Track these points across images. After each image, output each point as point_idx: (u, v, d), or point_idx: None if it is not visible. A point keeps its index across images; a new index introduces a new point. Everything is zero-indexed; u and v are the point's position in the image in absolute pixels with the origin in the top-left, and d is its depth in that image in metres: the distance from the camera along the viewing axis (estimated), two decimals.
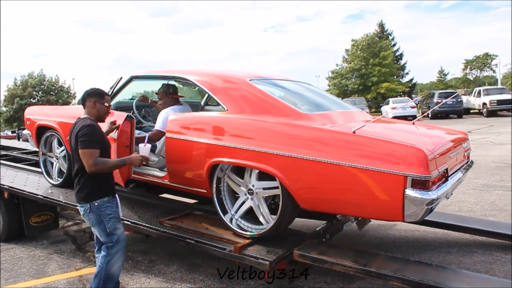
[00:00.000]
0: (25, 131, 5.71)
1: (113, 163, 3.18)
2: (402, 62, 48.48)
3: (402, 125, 3.81)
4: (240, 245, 3.33)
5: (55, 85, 49.98)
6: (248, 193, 3.49)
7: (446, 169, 3.02)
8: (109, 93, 4.73)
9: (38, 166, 5.56)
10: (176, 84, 4.71)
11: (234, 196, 3.69)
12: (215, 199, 3.66)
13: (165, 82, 4.64)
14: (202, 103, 6.01)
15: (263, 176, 3.37)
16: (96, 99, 3.26)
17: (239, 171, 3.54)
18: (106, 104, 3.32)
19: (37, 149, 5.51)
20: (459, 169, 3.40)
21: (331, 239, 3.74)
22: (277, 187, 3.26)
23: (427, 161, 2.68)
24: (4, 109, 49.39)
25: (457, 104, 24.89)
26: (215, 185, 3.63)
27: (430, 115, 25.57)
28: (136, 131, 4.78)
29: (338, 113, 3.76)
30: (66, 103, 46.72)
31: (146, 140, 3.49)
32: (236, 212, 3.60)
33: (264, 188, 3.41)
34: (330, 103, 4.15)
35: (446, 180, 3.01)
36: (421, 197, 2.65)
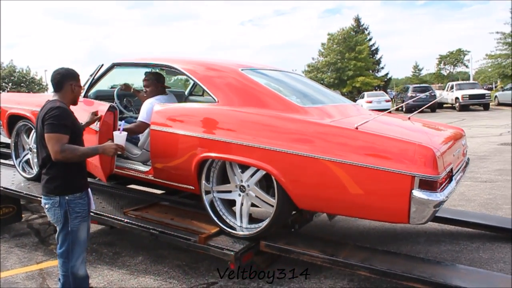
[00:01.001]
0: None
1: (83, 151, 2.77)
2: (378, 56, 49.02)
3: (401, 121, 3.67)
4: (205, 235, 3.25)
5: (26, 76, 48.30)
6: (241, 191, 3.30)
7: (451, 169, 2.90)
8: (89, 81, 4.45)
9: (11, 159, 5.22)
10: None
11: (229, 204, 3.50)
12: (204, 197, 3.45)
13: (149, 70, 4.38)
14: (186, 93, 5.76)
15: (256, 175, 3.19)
16: (74, 82, 2.93)
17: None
18: (80, 85, 3.02)
19: (9, 140, 5.16)
20: (460, 168, 3.29)
21: (300, 229, 3.59)
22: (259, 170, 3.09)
23: (435, 160, 2.54)
24: None
25: (430, 99, 25.26)
26: (203, 182, 3.42)
27: (404, 109, 25.94)
28: (118, 122, 4.51)
29: (333, 107, 3.59)
30: None
31: (121, 128, 3.19)
32: (241, 221, 3.38)
33: (251, 176, 3.21)
34: (324, 96, 3.97)
35: (451, 180, 2.89)
36: (428, 198, 2.51)
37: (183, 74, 3.83)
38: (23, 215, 5.24)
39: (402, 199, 2.57)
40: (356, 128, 2.78)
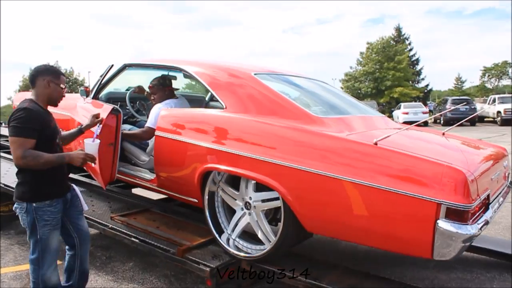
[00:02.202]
0: None
1: (47, 159, 2.52)
2: (419, 67, 47.69)
3: (433, 137, 3.25)
4: (184, 248, 3.09)
5: (69, 77, 49.95)
6: (245, 207, 2.98)
7: (488, 195, 2.47)
8: (99, 82, 4.25)
9: None
10: (175, 76, 4.21)
11: (230, 210, 3.18)
12: (207, 213, 3.15)
13: (162, 73, 4.13)
14: (207, 99, 5.49)
15: (262, 188, 2.86)
16: (50, 78, 2.68)
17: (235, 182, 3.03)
18: (62, 86, 2.74)
19: None
20: (499, 194, 2.84)
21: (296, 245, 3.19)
22: (277, 198, 2.75)
23: (467, 185, 2.13)
24: None
25: (470, 111, 24.21)
26: (207, 196, 3.12)
27: (442, 122, 24.90)
28: (128, 126, 4.29)
29: (357, 118, 3.21)
30: None
31: (95, 135, 2.88)
32: (232, 230, 3.09)
33: (263, 201, 2.89)
34: (348, 105, 3.58)
35: (487, 208, 2.46)
36: (457, 231, 2.10)
37: (192, 77, 3.55)
38: None
39: (425, 230, 2.17)
40: (375, 143, 2.40)
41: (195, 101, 5.12)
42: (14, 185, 4.22)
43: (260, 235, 2.92)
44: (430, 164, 2.23)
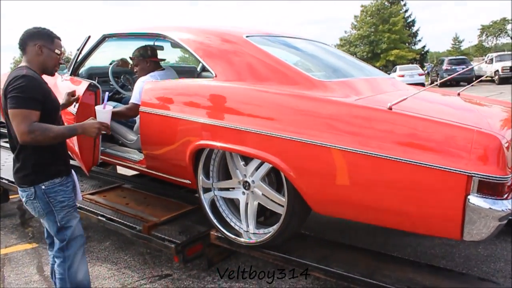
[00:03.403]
0: None
1: (58, 132, 2.18)
2: (415, 29, 46.68)
3: (449, 99, 2.90)
4: (150, 224, 2.97)
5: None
6: (245, 188, 2.67)
7: None
8: (76, 56, 3.86)
9: None
10: (162, 46, 3.81)
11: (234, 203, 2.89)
12: (203, 197, 2.85)
13: (148, 43, 3.73)
14: (198, 69, 5.10)
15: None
16: (42, 42, 2.30)
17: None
18: (57, 51, 2.36)
19: None
20: None
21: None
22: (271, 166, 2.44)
23: (503, 153, 1.81)
24: None
25: (467, 71, 23.81)
26: (201, 177, 2.80)
27: (439, 83, 24.48)
28: (113, 103, 3.93)
29: (363, 81, 2.86)
30: None
31: (105, 101, 2.57)
32: (247, 224, 2.77)
33: (256, 169, 2.58)
34: (352, 67, 3.22)
35: None
36: (491, 207, 1.79)
37: (178, 44, 3.17)
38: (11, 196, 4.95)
39: (454, 207, 1.86)
40: (390, 108, 2.05)
41: (186, 73, 4.75)
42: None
43: (271, 205, 2.61)
44: (456, 130, 1.90)
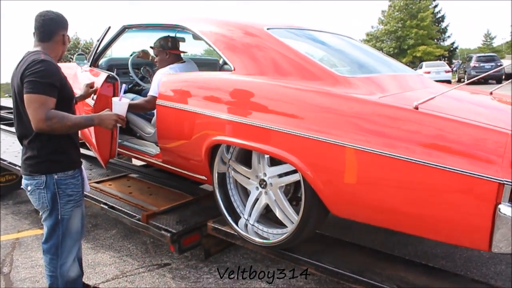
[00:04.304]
0: None
1: (74, 121, 2.13)
2: (444, 24, 45.57)
3: (481, 98, 2.74)
4: (149, 213, 3.01)
5: (89, 47, 49.78)
6: (260, 186, 2.58)
7: None
8: (96, 47, 3.83)
9: None
10: (183, 37, 3.74)
11: (245, 192, 2.78)
12: (218, 194, 2.77)
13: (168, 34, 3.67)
14: (221, 62, 5.01)
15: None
16: (65, 31, 2.28)
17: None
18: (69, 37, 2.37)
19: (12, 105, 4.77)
20: None
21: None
22: (295, 171, 2.33)
23: None
24: None
25: (496, 69, 23.01)
26: (216, 173, 2.72)
27: (466, 81, 23.80)
28: (131, 96, 3.90)
29: (389, 77, 2.73)
30: None
31: (121, 93, 2.53)
32: (249, 215, 2.69)
33: (279, 176, 2.47)
34: (379, 63, 3.08)
35: None
36: None
37: (198, 36, 3.09)
38: None
39: (482, 216, 1.73)
40: (416, 107, 1.93)
41: (208, 65, 4.67)
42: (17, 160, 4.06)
43: (278, 214, 2.53)
44: (489, 133, 1.76)
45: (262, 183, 2.55)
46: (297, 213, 2.40)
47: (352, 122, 2.06)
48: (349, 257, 2.48)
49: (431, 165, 1.81)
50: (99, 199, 3.36)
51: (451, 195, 1.81)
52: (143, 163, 4.01)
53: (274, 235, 2.56)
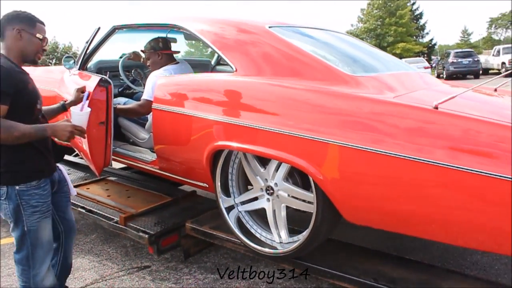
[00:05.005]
0: None
1: (23, 131, 1.97)
2: (422, 21, 46.29)
3: (492, 98, 2.68)
4: (127, 215, 3.02)
5: (67, 52, 48.94)
6: (266, 191, 2.46)
7: None
8: (85, 50, 3.65)
9: None
10: (175, 38, 3.60)
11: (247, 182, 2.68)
12: (221, 201, 2.65)
13: (161, 35, 3.52)
14: (213, 63, 4.89)
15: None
16: (22, 26, 2.09)
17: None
18: (39, 36, 2.15)
19: None
20: None
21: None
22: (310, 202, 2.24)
23: None
24: None
25: (473, 64, 23.50)
26: (219, 180, 2.60)
27: (444, 76, 24.16)
28: (123, 100, 3.74)
29: (392, 76, 2.64)
30: None
31: (83, 102, 2.31)
32: (241, 202, 2.65)
33: (290, 195, 2.37)
34: (379, 61, 2.99)
35: None
36: None
37: (194, 36, 2.95)
38: None
39: (505, 219, 1.65)
40: (436, 107, 1.84)
41: (200, 67, 4.54)
42: None
43: (270, 222, 2.46)
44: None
45: (269, 190, 2.43)
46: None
47: (365, 124, 1.95)
48: (325, 252, 2.50)
49: (453, 168, 1.71)
50: (76, 203, 3.33)
51: (474, 198, 1.72)
52: (122, 165, 3.87)
53: (287, 244, 2.45)
